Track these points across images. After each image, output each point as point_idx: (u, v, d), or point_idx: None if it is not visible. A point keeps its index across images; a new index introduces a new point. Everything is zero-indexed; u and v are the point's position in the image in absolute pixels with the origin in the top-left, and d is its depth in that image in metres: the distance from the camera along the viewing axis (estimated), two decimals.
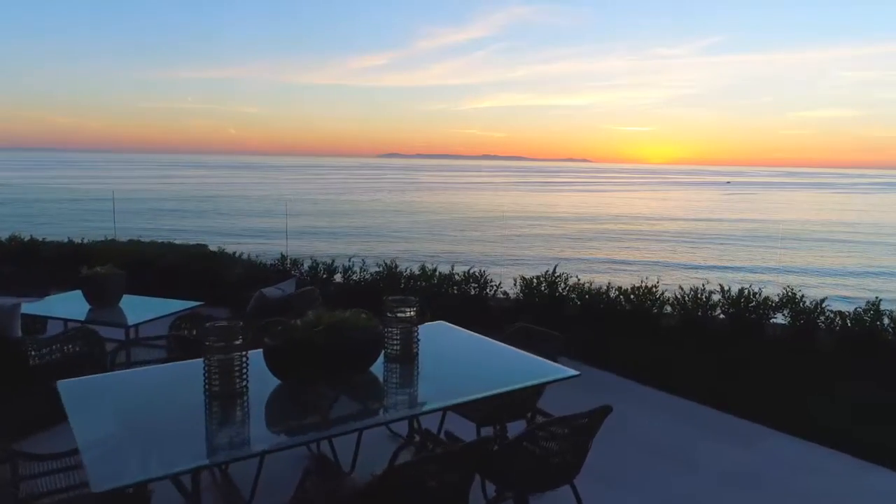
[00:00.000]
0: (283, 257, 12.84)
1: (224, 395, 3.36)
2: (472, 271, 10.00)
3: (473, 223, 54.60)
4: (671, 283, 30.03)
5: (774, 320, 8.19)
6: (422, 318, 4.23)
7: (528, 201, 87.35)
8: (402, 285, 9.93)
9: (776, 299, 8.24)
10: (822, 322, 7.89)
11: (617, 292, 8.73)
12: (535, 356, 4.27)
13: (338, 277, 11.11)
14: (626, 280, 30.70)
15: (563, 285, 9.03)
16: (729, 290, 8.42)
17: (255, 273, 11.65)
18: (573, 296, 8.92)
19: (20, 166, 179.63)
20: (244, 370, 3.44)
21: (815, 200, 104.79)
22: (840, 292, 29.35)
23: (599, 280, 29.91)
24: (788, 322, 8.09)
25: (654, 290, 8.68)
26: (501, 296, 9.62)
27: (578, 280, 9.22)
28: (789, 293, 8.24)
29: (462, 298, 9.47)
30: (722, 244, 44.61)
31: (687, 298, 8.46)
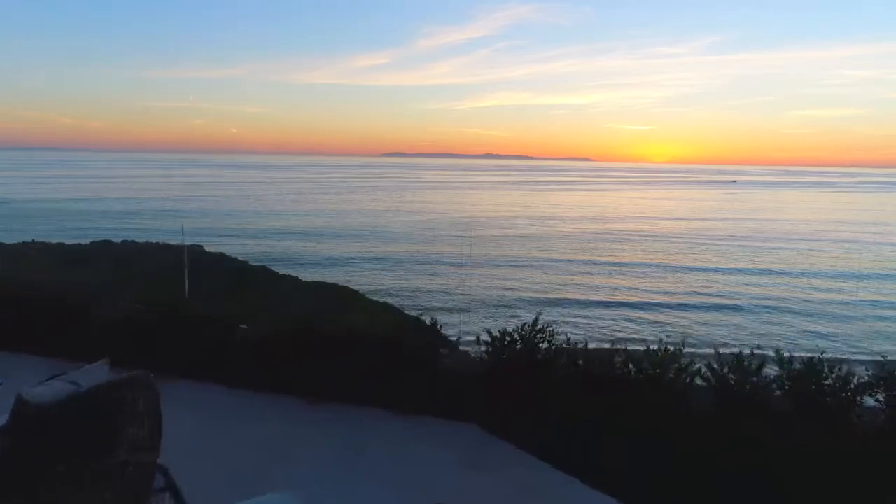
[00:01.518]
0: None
1: None
2: (421, 317, 7.32)
3: (478, 223, 53.61)
4: (690, 289, 28.36)
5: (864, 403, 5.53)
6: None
7: (534, 201, 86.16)
8: (315, 349, 6.86)
9: (863, 373, 5.53)
10: None
11: (623, 356, 6.02)
12: None
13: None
14: (643, 284, 29.10)
15: (545, 343, 6.36)
16: (789, 358, 5.65)
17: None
18: (561, 360, 6.30)
19: (23, 166, 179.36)
20: None
21: (822, 200, 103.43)
22: (873, 297, 28.28)
23: (604, 281, 28.19)
24: (886, 410, 5.32)
25: (678, 354, 5.98)
26: (463, 348, 7.16)
27: (568, 339, 6.44)
28: (885, 367, 5.49)
29: (405, 359, 6.76)
30: (727, 245, 43.43)
31: (726, 367, 5.80)
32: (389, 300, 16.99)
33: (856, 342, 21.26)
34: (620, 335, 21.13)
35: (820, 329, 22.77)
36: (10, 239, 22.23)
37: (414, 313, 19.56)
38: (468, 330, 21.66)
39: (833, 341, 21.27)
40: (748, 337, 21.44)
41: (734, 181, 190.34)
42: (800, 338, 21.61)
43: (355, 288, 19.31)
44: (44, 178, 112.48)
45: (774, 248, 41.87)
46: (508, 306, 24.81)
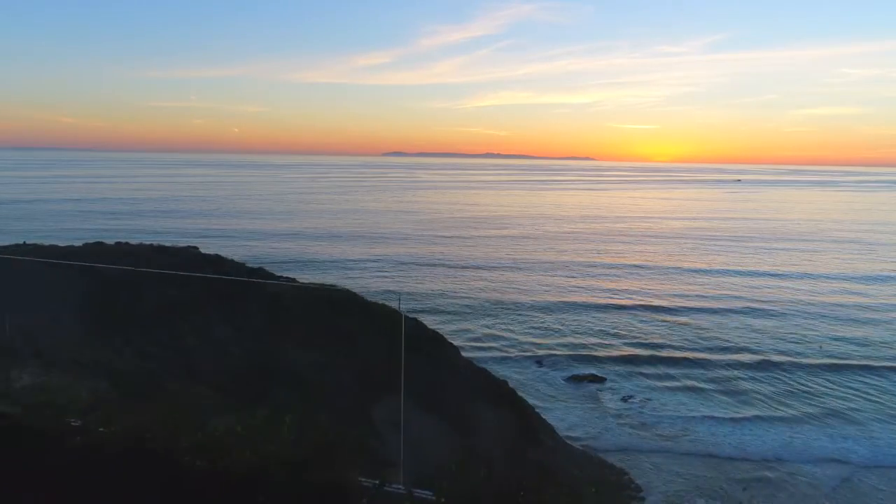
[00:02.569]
0: None
1: None
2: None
3: (481, 224, 53.03)
4: (707, 292, 27.47)
5: None
6: None
7: (541, 200, 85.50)
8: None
9: None
10: None
11: None
12: None
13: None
14: (658, 287, 28.17)
15: None
16: None
17: None
18: None
19: (25, 166, 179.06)
20: None
21: (830, 199, 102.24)
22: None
23: (616, 284, 27.38)
24: None
25: None
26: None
27: None
28: None
29: None
30: (739, 246, 42.78)
31: None
32: (389, 304, 16.47)
33: (886, 348, 20.63)
34: (637, 339, 20.52)
35: (848, 334, 22.07)
36: (5, 240, 21.79)
37: (413, 315, 19.09)
38: (462, 329, 21.12)
39: (863, 346, 20.64)
40: (774, 341, 20.83)
41: (738, 180, 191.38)
42: (828, 342, 20.98)
43: (355, 290, 18.85)
44: (45, 178, 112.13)
45: (788, 250, 41.18)
46: (515, 309, 24.25)
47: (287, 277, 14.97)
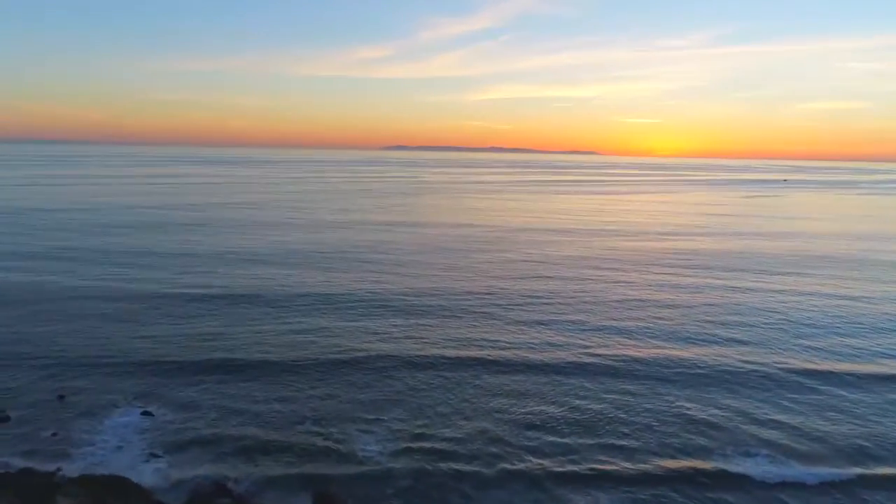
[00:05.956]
0: None
1: None
2: None
3: (503, 242, 44.88)
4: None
5: None
6: None
7: (577, 213, 77.42)
8: None
9: None
10: None
11: None
12: None
13: None
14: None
15: None
16: None
17: None
18: None
19: (27, 163, 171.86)
20: None
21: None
22: None
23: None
24: None
25: None
26: None
27: None
28: None
29: None
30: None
31: None
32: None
33: None
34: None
35: None
36: None
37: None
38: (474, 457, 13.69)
39: None
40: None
41: (785, 180, 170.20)
42: None
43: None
44: (44, 178, 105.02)
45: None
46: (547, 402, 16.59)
47: None
